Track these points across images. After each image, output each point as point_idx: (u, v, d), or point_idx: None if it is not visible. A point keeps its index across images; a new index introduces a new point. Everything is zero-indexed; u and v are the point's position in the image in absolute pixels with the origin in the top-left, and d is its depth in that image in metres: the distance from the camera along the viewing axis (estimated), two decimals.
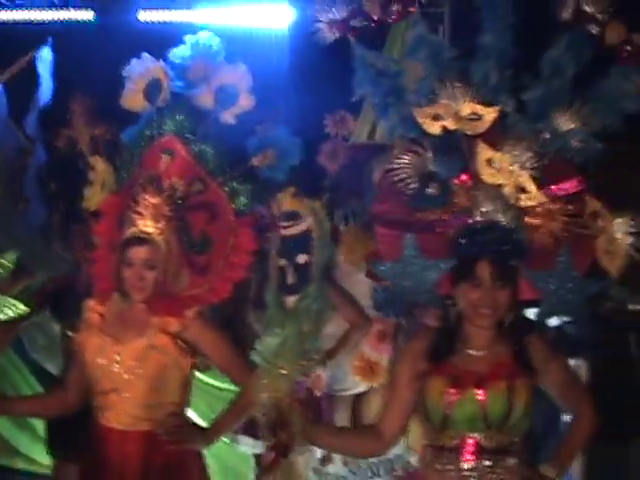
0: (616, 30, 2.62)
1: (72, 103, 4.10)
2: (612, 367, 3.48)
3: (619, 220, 2.48)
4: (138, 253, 2.75)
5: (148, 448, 2.78)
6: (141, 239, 2.75)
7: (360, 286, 3.96)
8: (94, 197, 2.96)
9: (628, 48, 2.62)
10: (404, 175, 2.51)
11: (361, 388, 4.08)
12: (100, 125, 3.99)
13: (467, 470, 2.43)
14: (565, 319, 2.96)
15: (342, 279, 4.11)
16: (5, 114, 4.42)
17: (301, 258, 2.43)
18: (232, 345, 2.89)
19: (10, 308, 3.83)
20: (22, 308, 3.89)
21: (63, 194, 4.20)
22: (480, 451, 2.43)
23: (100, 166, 2.96)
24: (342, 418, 4.17)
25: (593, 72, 2.62)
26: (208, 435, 2.85)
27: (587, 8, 2.62)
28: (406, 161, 2.52)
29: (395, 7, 2.74)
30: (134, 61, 2.94)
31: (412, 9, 2.76)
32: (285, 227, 2.51)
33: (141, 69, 2.92)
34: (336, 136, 4.88)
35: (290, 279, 2.41)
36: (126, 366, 2.77)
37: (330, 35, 2.69)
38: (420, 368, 2.48)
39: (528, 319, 2.55)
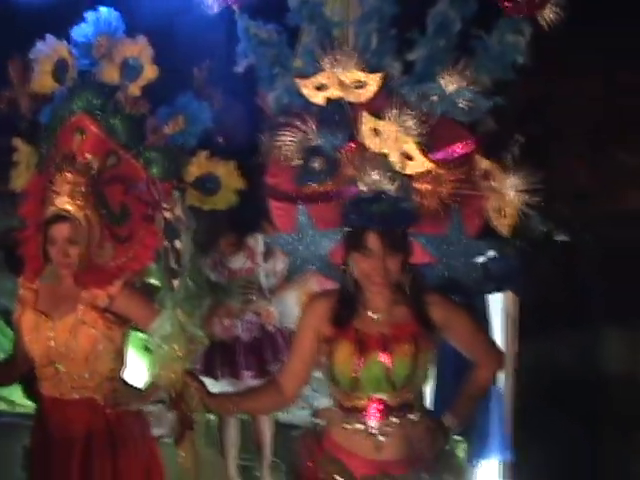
0: None
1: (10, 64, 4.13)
2: (539, 298, 3.52)
3: (510, 178, 2.44)
4: (60, 231, 2.84)
5: (89, 413, 2.97)
6: (61, 217, 2.84)
7: None
8: (20, 177, 3.04)
9: None
10: (288, 152, 2.50)
11: None
12: None
13: (374, 428, 2.54)
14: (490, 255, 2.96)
15: None
16: None
17: (177, 243, 2.48)
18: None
19: None
20: None
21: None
22: (386, 409, 2.54)
23: (21, 147, 3.03)
24: None
25: (479, 26, 2.54)
26: (142, 396, 3.01)
27: None
28: (289, 138, 2.50)
29: None
30: (38, 43, 2.96)
31: None
32: (165, 209, 2.55)
33: (46, 50, 2.94)
34: None
35: (172, 263, 2.47)
36: (60, 341, 2.91)
37: (215, 6, 2.65)
38: (323, 330, 2.57)
39: (425, 279, 2.57)
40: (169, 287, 2.52)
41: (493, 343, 2.79)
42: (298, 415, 5.02)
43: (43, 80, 2.97)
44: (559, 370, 4.50)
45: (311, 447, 2.68)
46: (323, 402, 4.82)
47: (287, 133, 2.50)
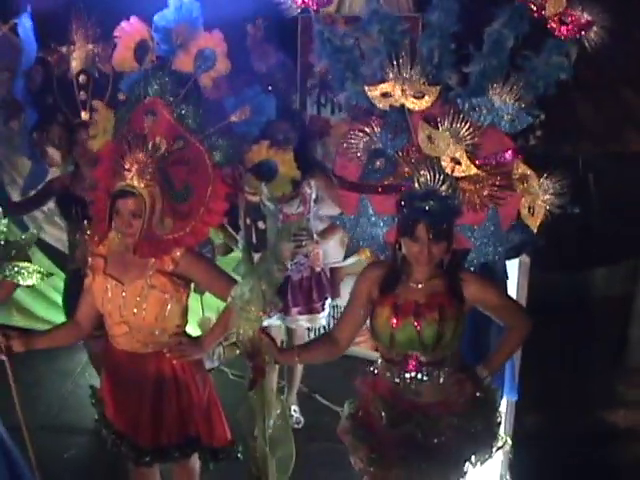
0: (555, 2, 2.85)
1: (73, 19, 4.32)
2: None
3: (543, 182, 2.82)
4: (125, 204, 3.10)
5: (158, 364, 3.33)
6: (128, 192, 3.09)
7: None
8: (97, 140, 3.28)
9: (565, 20, 2.84)
10: (355, 154, 2.93)
11: (351, 260, 4.39)
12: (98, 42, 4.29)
13: (409, 379, 3.09)
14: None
15: None
16: None
17: (261, 224, 2.79)
18: (218, 270, 3.33)
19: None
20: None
21: (60, 107, 4.47)
22: (419, 364, 3.06)
23: (103, 111, 3.26)
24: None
25: (529, 46, 2.90)
26: (202, 347, 3.35)
27: None
28: (356, 141, 2.91)
29: None
30: (123, 23, 3.19)
31: None
32: (249, 193, 2.86)
33: (130, 30, 3.17)
34: None
35: (254, 239, 2.81)
36: (132, 304, 3.21)
37: (294, 8, 2.93)
38: (373, 294, 3.03)
39: (461, 260, 3.01)
40: (248, 259, 2.86)
41: (522, 310, 3.24)
42: None
43: (125, 59, 3.17)
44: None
45: (367, 385, 3.21)
46: None
47: (355, 136, 2.92)
